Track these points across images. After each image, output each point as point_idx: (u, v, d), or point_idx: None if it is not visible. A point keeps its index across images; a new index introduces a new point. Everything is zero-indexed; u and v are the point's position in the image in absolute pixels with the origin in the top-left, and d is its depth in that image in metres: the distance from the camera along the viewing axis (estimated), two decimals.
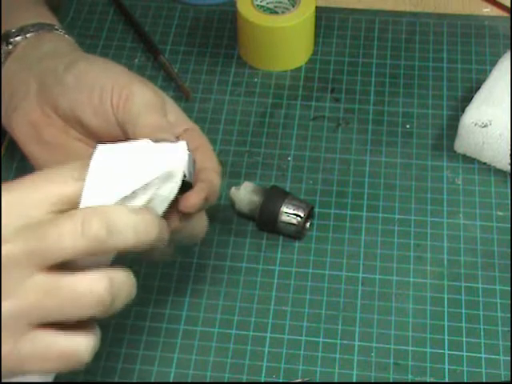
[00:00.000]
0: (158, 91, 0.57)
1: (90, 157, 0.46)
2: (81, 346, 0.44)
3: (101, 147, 0.46)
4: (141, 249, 0.45)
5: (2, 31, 0.62)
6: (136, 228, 0.44)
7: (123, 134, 0.55)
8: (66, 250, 0.42)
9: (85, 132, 0.58)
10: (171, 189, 0.47)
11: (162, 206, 0.47)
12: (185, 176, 0.49)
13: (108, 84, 0.56)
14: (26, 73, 0.59)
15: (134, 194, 0.46)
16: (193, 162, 0.51)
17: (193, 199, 0.52)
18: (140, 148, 0.47)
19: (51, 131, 0.58)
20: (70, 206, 0.44)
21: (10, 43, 0.61)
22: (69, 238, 0.42)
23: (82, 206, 0.44)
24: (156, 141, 0.49)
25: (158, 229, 0.45)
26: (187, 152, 0.48)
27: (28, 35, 0.62)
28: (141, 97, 0.55)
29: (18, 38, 0.61)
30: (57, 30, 0.64)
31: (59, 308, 0.42)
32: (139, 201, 0.46)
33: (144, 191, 0.46)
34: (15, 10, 0.64)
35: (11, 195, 0.43)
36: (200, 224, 0.55)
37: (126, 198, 0.45)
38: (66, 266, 0.43)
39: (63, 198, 0.44)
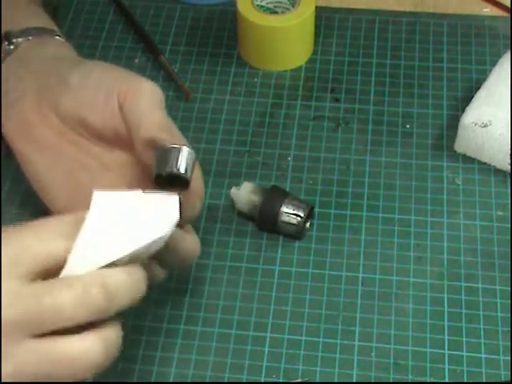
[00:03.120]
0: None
1: (77, 205, 0.47)
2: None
3: (96, 202, 0.46)
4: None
5: (3, 30, 0.62)
6: (131, 290, 0.45)
7: (127, 133, 0.55)
8: (65, 321, 0.42)
9: (86, 132, 0.58)
10: (159, 244, 0.47)
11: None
12: (184, 173, 0.49)
13: (113, 81, 0.56)
14: (25, 72, 0.59)
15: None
16: (193, 159, 0.51)
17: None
18: (133, 206, 0.46)
19: (44, 131, 0.58)
20: (57, 264, 0.44)
21: (12, 43, 0.61)
22: (69, 307, 0.42)
23: (69, 264, 0.44)
24: (156, 143, 0.50)
25: (146, 284, 0.46)
26: (178, 207, 0.47)
27: (30, 38, 0.62)
28: (149, 93, 0.55)
29: (20, 39, 0.61)
30: (58, 36, 0.64)
31: (54, 372, 0.43)
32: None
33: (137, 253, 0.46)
34: (16, 11, 0.64)
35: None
36: (192, 245, 0.54)
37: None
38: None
39: (50, 257, 0.44)
